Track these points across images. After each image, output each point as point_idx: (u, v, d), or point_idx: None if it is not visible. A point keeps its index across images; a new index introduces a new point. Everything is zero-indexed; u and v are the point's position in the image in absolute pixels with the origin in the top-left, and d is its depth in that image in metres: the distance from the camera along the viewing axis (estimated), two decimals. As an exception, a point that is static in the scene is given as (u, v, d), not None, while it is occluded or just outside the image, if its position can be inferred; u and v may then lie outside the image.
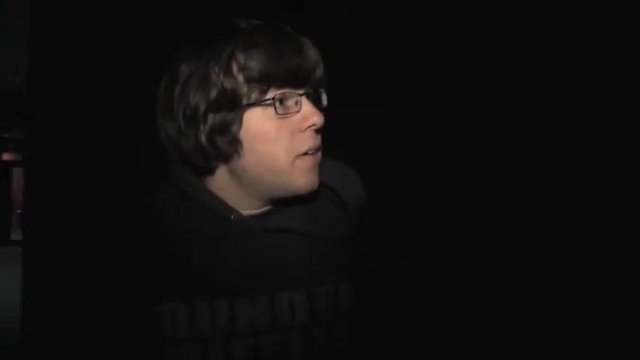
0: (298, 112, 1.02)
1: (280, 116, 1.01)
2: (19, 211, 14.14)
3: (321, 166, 1.09)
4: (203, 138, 1.01)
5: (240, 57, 0.99)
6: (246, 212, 1.09)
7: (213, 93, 1.00)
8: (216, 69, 1.00)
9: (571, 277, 2.08)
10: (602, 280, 2.05)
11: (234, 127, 1.01)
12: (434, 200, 2.07)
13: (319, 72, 1.04)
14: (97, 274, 1.07)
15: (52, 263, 1.09)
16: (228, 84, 0.99)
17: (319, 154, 1.08)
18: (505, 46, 2.30)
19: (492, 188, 2.23)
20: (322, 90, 1.08)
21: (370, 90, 2.23)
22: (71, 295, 1.06)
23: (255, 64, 0.98)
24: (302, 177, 1.04)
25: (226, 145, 1.01)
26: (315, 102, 1.06)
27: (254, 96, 0.99)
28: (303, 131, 1.03)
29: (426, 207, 1.98)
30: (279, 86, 1.00)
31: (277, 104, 1.00)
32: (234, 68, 0.99)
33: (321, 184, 1.10)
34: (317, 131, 1.06)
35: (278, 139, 1.01)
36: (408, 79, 2.30)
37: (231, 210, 1.08)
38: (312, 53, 1.03)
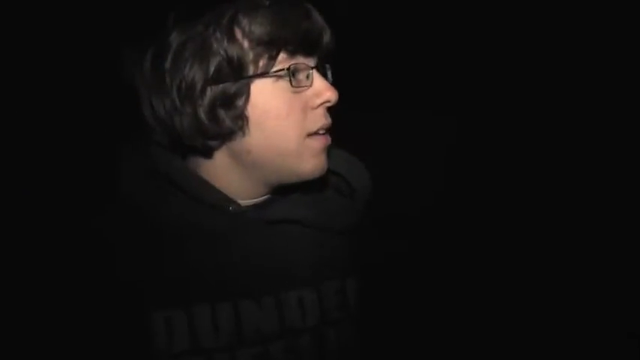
0: (309, 87, 0.91)
1: (294, 90, 0.89)
2: None
3: (327, 152, 0.98)
4: (202, 114, 0.88)
5: (244, 21, 0.87)
6: (244, 202, 0.96)
7: (214, 62, 0.87)
8: (218, 35, 0.87)
9: (574, 272, 2.08)
10: (601, 279, 2.06)
11: (240, 101, 0.88)
12: (439, 195, 2.04)
13: (327, 38, 0.93)
14: (74, 282, 0.89)
15: (24, 267, 0.91)
16: (232, 51, 0.86)
17: (329, 135, 0.97)
18: (505, 44, 2.30)
19: (498, 182, 2.21)
20: (328, 66, 0.97)
21: (371, 87, 2.16)
22: (46, 304, 0.88)
23: (261, 28, 0.86)
24: (312, 159, 0.93)
25: (230, 121, 0.88)
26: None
27: (262, 64, 0.87)
28: (315, 108, 0.92)
29: (431, 202, 1.94)
30: (289, 54, 0.89)
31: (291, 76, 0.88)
32: (238, 33, 0.87)
33: (328, 171, 0.99)
34: (328, 109, 0.95)
35: (289, 115, 0.90)
36: (407, 76, 2.25)
37: (229, 200, 0.94)
38: (319, 18, 0.93)
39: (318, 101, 0.92)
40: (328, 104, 0.93)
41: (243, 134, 0.90)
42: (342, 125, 1.01)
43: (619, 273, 2.07)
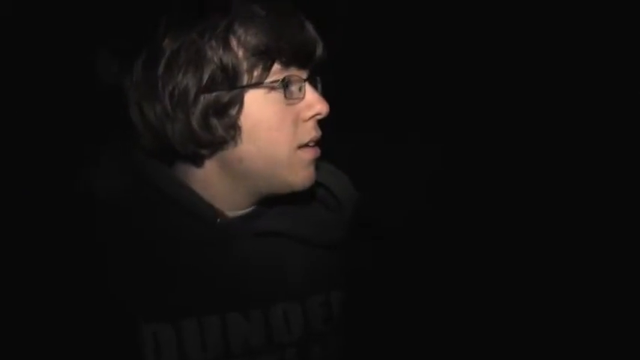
0: (302, 99, 0.91)
1: (287, 101, 0.89)
2: None
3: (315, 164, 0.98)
4: (195, 121, 0.87)
5: (240, 30, 0.87)
6: (231, 213, 0.95)
7: (209, 70, 0.86)
8: (213, 43, 0.86)
9: (565, 289, 2.10)
10: (594, 280, 2.08)
11: (233, 110, 0.87)
12: (425, 210, 2.04)
13: (320, 51, 0.94)
14: (61, 295, 0.86)
15: (9, 279, 0.87)
16: (227, 60, 0.86)
17: (318, 147, 0.97)
18: (495, 71, 2.33)
19: (485, 202, 2.24)
20: (318, 78, 0.98)
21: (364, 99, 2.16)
22: (34, 316, 0.84)
23: (257, 38, 0.87)
24: (302, 170, 0.93)
25: (222, 130, 0.87)
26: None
27: (256, 74, 0.87)
28: (306, 120, 0.93)
29: (416, 216, 1.94)
30: (283, 65, 0.89)
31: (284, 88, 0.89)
32: (234, 42, 0.87)
33: (315, 183, 0.99)
34: (318, 122, 0.95)
35: (281, 126, 0.90)
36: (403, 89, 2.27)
37: (216, 212, 0.93)
38: (312, 30, 0.93)
39: (310, 114, 0.92)
40: (319, 117, 0.93)
41: (235, 143, 0.89)
42: (329, 146, 1.01)
43: (618, 279, 2.09)
